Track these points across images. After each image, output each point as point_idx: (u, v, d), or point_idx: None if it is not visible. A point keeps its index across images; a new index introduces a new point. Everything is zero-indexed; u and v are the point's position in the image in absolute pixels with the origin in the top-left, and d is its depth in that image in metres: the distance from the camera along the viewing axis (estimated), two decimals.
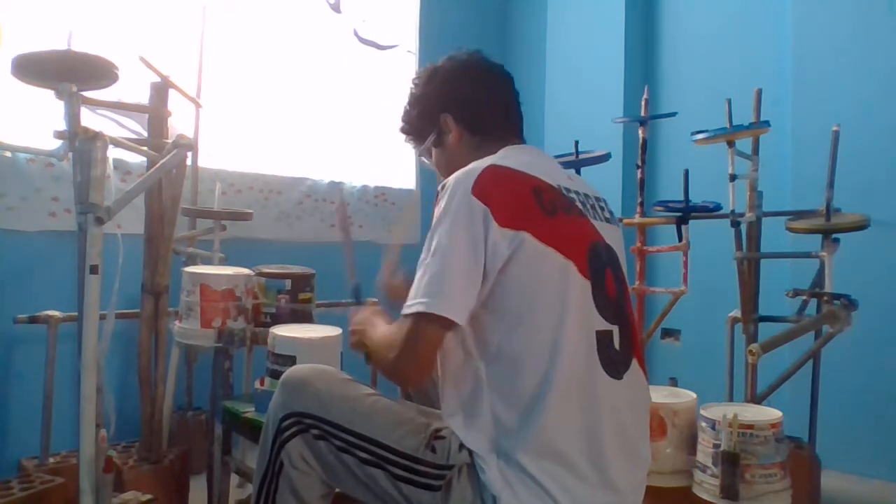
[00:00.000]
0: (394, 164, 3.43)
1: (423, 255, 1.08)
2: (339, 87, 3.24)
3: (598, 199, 1.27)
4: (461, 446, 1.08)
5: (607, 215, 1.26)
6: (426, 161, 1.41)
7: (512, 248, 1.04)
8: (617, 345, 1.12)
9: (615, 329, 1.12)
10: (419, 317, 1.04)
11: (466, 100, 1.30)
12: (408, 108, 1.38)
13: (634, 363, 1.16)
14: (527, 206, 1.08)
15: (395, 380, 1.13)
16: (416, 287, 1.05)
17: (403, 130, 1.41)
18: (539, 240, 1.05)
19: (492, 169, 1.10)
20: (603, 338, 1.10)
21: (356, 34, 3.38)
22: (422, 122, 1.34)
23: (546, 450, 1.02)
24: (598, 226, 1.19)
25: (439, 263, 1.04)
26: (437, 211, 1.09)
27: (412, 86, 1.38)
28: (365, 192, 3.28)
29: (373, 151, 3.31)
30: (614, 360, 1.11)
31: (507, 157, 1.17)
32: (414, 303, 1.04)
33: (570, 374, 1.04)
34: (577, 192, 1.21)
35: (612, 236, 1.21)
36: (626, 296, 1.20)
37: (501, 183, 1.08)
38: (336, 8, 3.29)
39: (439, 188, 1.12)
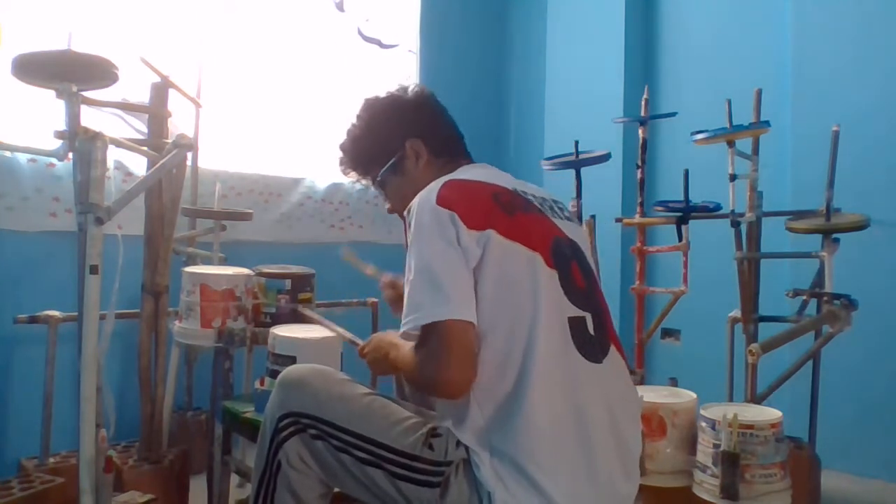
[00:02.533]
0: None
1: (406, 275, 1.09)
2: (340, 87, 3.23)
3: (555, 201, 1.32)
4: (458, 443, 1.09)
5: (567, 215, 1.30)
6: (380, 192, 1.45)
7: (482, 248, 1.07)
8: (591, 331, 1.14)
9: (588, 316, 1.14)
10: (440, 326, 1.03)
11: (434, 124, 1.38)
12: (355, 139, 1.42)
13: (613, 349, 1.18)
14: (489, 207, 1.12)
15: (445, 395, 1.09)
16: (415, 302, 1.06)
17: (348, 163, 1.45)
18: (504, 236, 1.09)
19: (450, 182, 1.16)
20: (576, 324, 1.12)
21: (360, 32, 3.39)
22: (378, 150, 1.38)
23: (534, 440, 1.03)
24: (558, 223, 1.22)
25: (429, 276, 1.05)
26: (410, 232, 1.12)
27: (359, 118, 1.42)
28: (365, 192, 3.29)
29: None
30: (591, 345, 1.13)
31: (463, 172, 1.26)
32: (426, 314, 1.04)
33: (548, 360, 1.05)
34: (533, 195, 1.25)
35: (574, 232, 1.25)
36: (596, 287, 1.23)
37: (462, 191, 1.14)
38: (340, 7, 3.29)
39: (405, 213, 1.16)
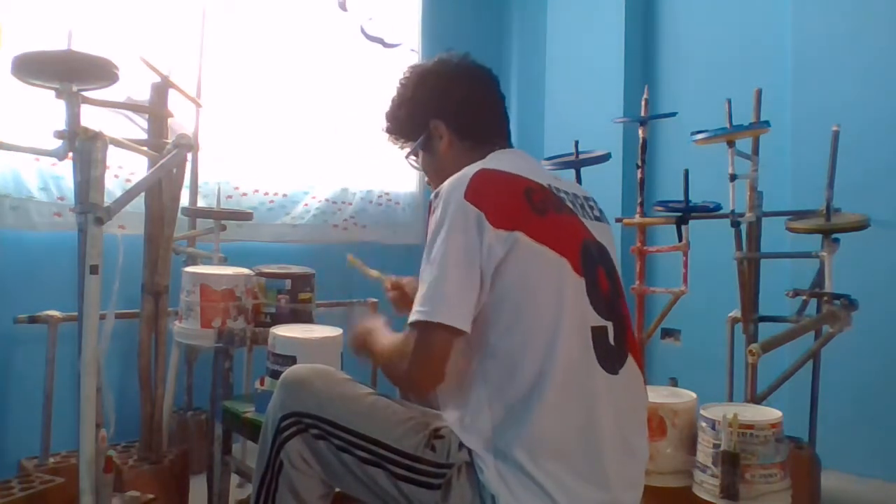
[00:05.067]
0: (396, 167, 3.42)
1: (422, 265, 1.09)
2: (342, 88, 3.23)
3: (587, 198, 1.28)
4: (461, 445, 1.08)
5: (597, 214, 1.27)
6: (413, 163, 1.40)
7: (506, 249, 1.05)
8: (612, 340, 1.13)
9: (609, 325, 1.13)
10: (426, 326, 1.04)
11: (458, 106, 1.30)
12: (395, 108, 1.37)
13: (630, 359, 1.17)
14: (519, 206, 1.10)
15: (409, 390, 1.13)
16: (419, 296, 1.06)
17: (389, 130, 1.40)
18: (533, 238, 1.07)
19: (483, 173, 1.12)
20: (598, 333, 1.11)
21: (363, 31, 3.38)
22: (410, 124, 1.34)
23: (543, 446, 1.03)
24: (588, 224, 1.20)
25: (438, 272, 1.05)
26: (433, 220, 1.10)
27: (400, 86, 1.37)
28: (370, 194, 3.29)
29: (376, 154, 3.30)
30: (610, 356, 1.12)
31: (496, 160, 1.20)
32: (417, 311, 1.05)
33: (567, 369, 1.04)
34: (566, 192, 1.22)
35: (602, 234, 1.22)
36: (620, 292, 1.21)
37: (493, 186, 1.10)
38: (342, 6, 3.29)
39: (432, 197, 1.14)
